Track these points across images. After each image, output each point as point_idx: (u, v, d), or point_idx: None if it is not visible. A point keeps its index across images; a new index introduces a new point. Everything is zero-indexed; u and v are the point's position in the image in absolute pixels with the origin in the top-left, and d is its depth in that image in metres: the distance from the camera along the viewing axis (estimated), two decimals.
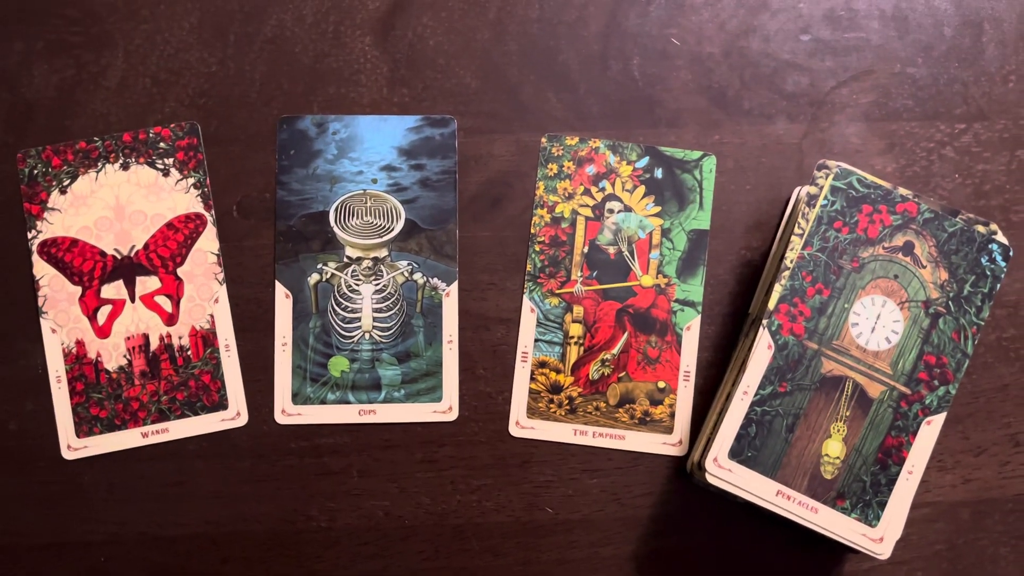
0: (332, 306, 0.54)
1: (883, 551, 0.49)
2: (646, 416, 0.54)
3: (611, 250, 0.55)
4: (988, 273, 0.50)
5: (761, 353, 0.49)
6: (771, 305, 0.49)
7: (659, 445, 0.54)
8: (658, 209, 0.55)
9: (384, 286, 0.55)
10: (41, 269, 0.54)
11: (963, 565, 0.54)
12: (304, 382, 0.54)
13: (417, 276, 0.55)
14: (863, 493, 0.49)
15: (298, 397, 0.54)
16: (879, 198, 0.50)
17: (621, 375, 0.54)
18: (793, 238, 0.50)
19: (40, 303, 0.53)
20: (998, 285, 0.50)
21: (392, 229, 0.55)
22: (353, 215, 0.55)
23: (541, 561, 0.53)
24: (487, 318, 0.55)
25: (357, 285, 0.54)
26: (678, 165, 0.56)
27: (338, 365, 0.54)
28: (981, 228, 0.50)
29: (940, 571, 0.54)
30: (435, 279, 0.55)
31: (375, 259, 0.55)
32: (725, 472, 0.49)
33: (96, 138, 0.54)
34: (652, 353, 0.54)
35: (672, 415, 0.54)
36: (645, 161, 0.56)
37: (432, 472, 0.54)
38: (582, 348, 0.54)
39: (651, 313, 0.55)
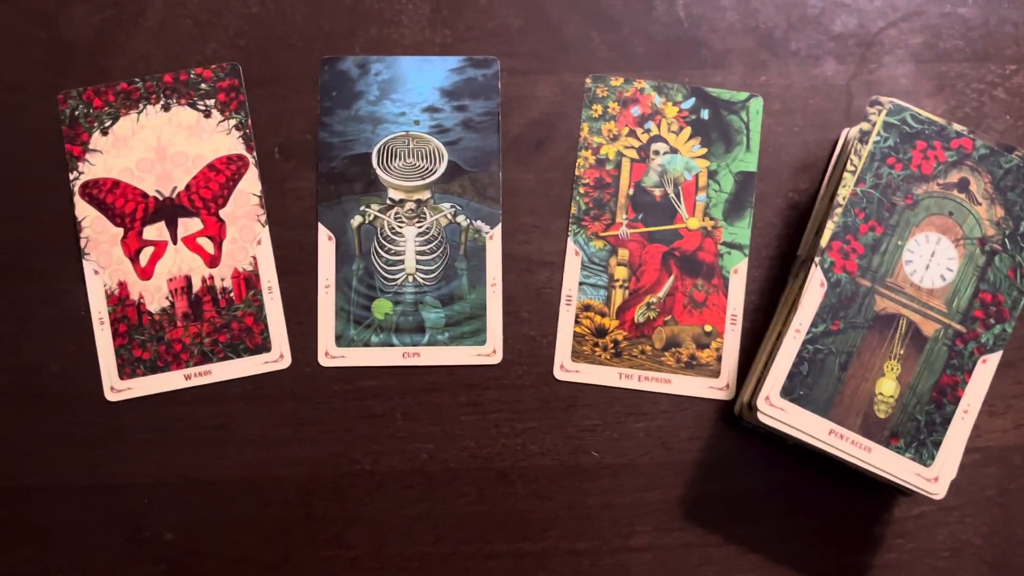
0: (375, 248, 0.54)
1: (938, 491, 0.48)
2: (692, 360, 0.53)
3: (657, 192, 0.54)
4: None
5: (814, 291, 0.48)
6: (823, 243, 0.48)
7: (705, 389, 0.53)
8: (704, 151, 0.55)
9: (427, 229, 0.54)
10: (83, 210, 0.53)
11: (1015, 510, 0.53)
12: (348, 324, 0.53)
13: (460, 219, 0.54)
14: (917, 432, 0.48)
15: (342, 340, 0.53)
16: (933, 134, 0.49)
17: (667, 319, 0.54)
18: (845, 175, 0.49)
19: (82, 244, 0.53)
20: None
21: (435, 171, 0.54)
22: (396, 157, 0.54)
23: (586, 505, 0.53)
24: (531, 261, 0.54)
25: (400, 228, 0.54)
26: (724, 106, 0.55)
27: (382, 308, 0.53)
28: None
29: (991, 516, 0.53)
30: (478, 222, 0.54)
31: (418, 201, 0.54)
32: (777, 411, 0.48)
33: (137, 79, 0.54)
34: (698, 296, 0.54)
35: (719, 359, 0.53)
36: (691, 102, 0.55)
37: (476, 415, 0.53)
38: (627, 291, 0.54)
39: (697, 256, 0.54)
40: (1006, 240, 0.49)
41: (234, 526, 0.52)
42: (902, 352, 0.48)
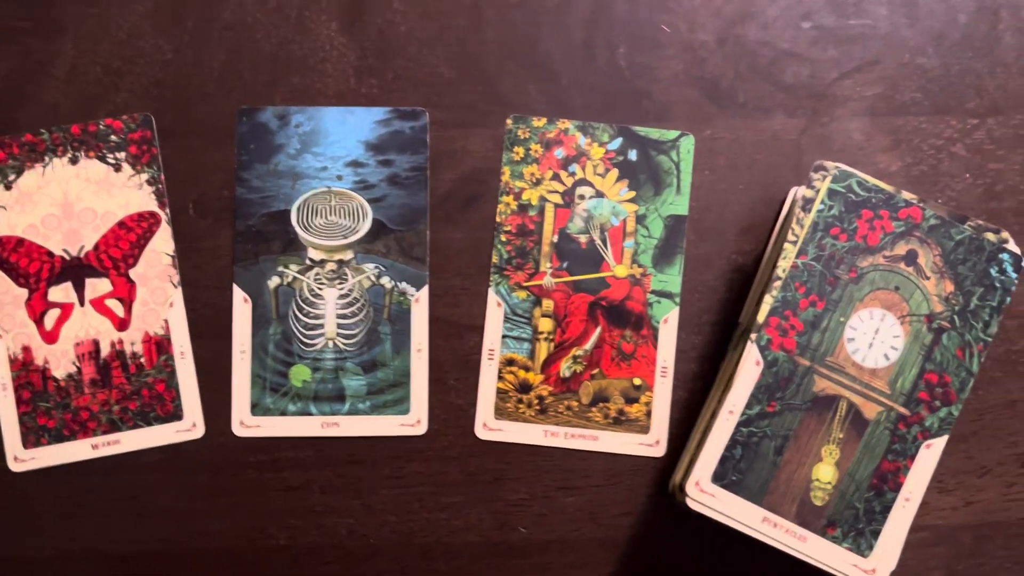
0: (294, 312, 0.51)
1: None
2: (621, 415, 0.51)
3: (582, 239, 0.52)
4: (998, 285, 0.46)
5: (749, 369, 0.46)
6: (760, 318, 0.46)
7: (635, 446, 0.51)
8: (632, 194, 0.52)
9: (349, 291, 0.51)
10: None
11: None
12: (264, 392, 0.51)
13: (384, 280, 0.51)
14: (855, 521, 0.45)
15: (257, 408, 0.51)
16: (880, 203, 0.46)
17: (594, 372, 0.51)
18: (786, 246, 0.46)
19: None
20: (1008, 298, 0.46)
21: (358, 230, 0.51)
22: (317, 214, 0.51)
23: None
24: (459, 325, 0.52)
25: (320, 290, 0.51)
26: (653, 146, 0.52)
27: (300, 375, 0.51)
28: (991, 236, 0.46)
29: None
30: (404, 283, 0.51)
31: (340, 262, 0.51)
32: (707, 497, 0.45)
33: (43, 130, 0.51)
34: (627, 348, 0.51)
35: (648, 414, 0.51)
36: (618, 143, 0.52)
37: (399, 489, 0.51)
38: (552, 344, 0.51)
39: (626, 305, 0.51)
40: (955, 317, 0.46)
41: None
42: (841, 436, 0.46)
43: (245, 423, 0.51)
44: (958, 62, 0.53)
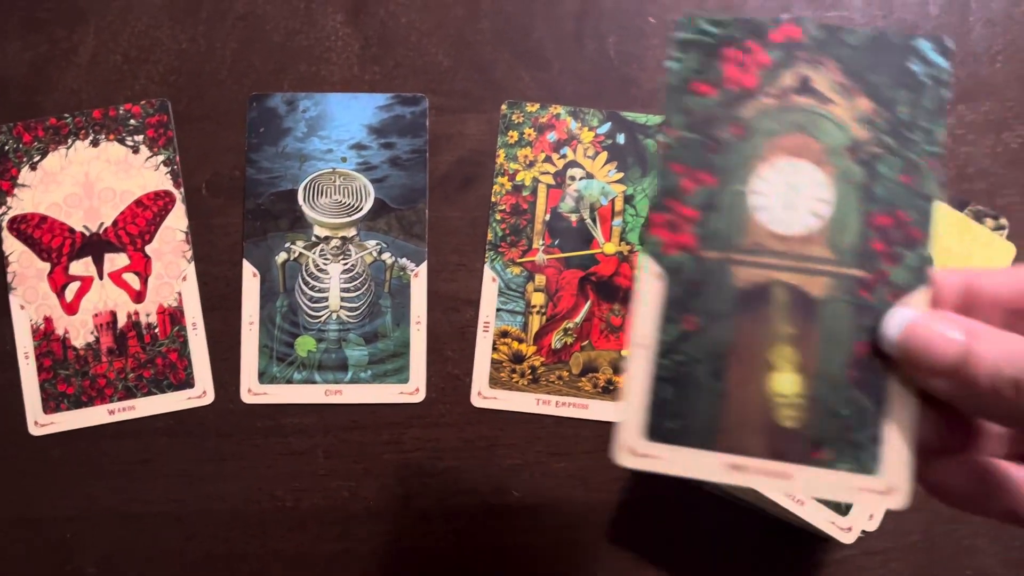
0: (300, 285, 0.54)
1: (899, 501, 0.33)
2: (609, 384, 0.53)
3: (573, 218, 0.54)
4: (926, 80, 0.35)
5: (648, 285, 0.35)
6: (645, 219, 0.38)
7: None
8: (621, 175, 0.54)
9: (352, 266, 0.54)
10: (10, 245, 0.54)
11: (939, 556, 0.53)
12: (271, 361, 0.53)
13: (386, 256, 0.54)
14: (846, 431, 0.34)
15: (264, 376, 0.53)
16: (744, 34, 0.36)
17: (584, 344, 0.54)
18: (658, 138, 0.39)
19: (9, 279, 0.53)
20: (947, 92, 0.35)
21: (361, 208, 0.54)
22: (322, 194, 0.54)
23: (507, 545, 0.53)
24: (456, 299, 0.54)
25: (325, 264, 0.54)
26: (640, 130, 0.55)
27: (305, 345, 0.54)
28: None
29: (915, 562, 0.53)
30: (404, 259, 0.54)
31: (343, 238, 0.54)
32: (647, 460, 0.34)
33: (66, 114, 0.54)
34: (615, 321, 0.54)
35: None
36: (607, 127, 0.55)
37: (398, 454, 0.53)
38: (544, 317, 0.54)
39: (614, 281, 0.54)
40: (885, 137, 0.35)
41: (156, 560, 0.53)
42: (791, 331, 0.34)
43: (253, 391, 0.53)
44: None
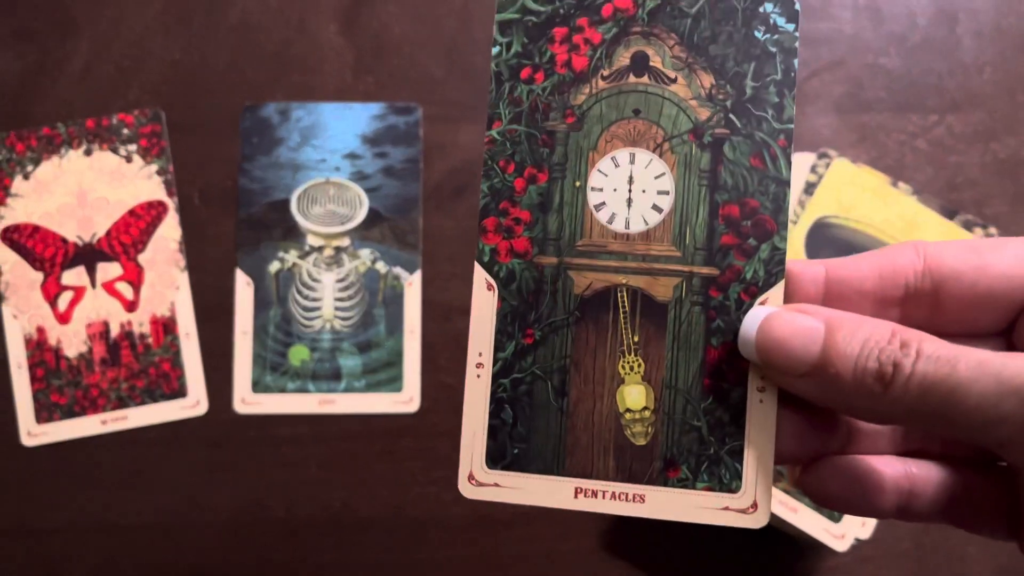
0: (293, 295, 0.54)
1: (759, 520, 0.30)
2: None
3: None
4: (773, 48, 0.31)
5: (481, 300, 0.32)
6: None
7: None
8: None
9: (346, 275, 0.54)
10: (3, 255, 0.54)
11: (931, 564, 0.53)
12: (264, 371, 0.53)
13: (379, 265, 0.54)
14: (702, 447, 0.31)
15: (258, 386, 0.53)
16: (572, 10, 0.32)
17: None
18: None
19: (2, 289, 0.53)
20: (795, 61, 0.31)
21: (354, 218, 0.54)
22: (315, 203, 0.54)
23: (500, 555, 0.53)
24: (450, 308, 0.54)
25: (318, 274, 0.54)
26: None
27: (298, 354, 0.54)
28: None
29: (906, 570, 0.53)
30: (397, 268, 0.54)
31: (337, 248, 0.54)
32: (490, 489, 0.32)
33: (59, 124, 0.54)
34: None
35: None
36: None
37: (391, 463, 0.53)
38: None
39: None
40: (730, 117, 0.31)
41: (148, 571, 0.53)
42: (636, 338, 0.31)
43: (246, 400, 0.53)
44: (919, 63, 0.56)
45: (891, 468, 0.31)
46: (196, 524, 0.53)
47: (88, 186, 0.54)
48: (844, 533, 0.49)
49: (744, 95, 0.31)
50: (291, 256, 0.54)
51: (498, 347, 0.31)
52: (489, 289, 0.32)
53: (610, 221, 0.32)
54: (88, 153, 0.54)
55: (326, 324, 0.54)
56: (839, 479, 0.31)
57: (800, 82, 0.56)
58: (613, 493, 0.31)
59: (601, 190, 0.32)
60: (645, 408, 0.31)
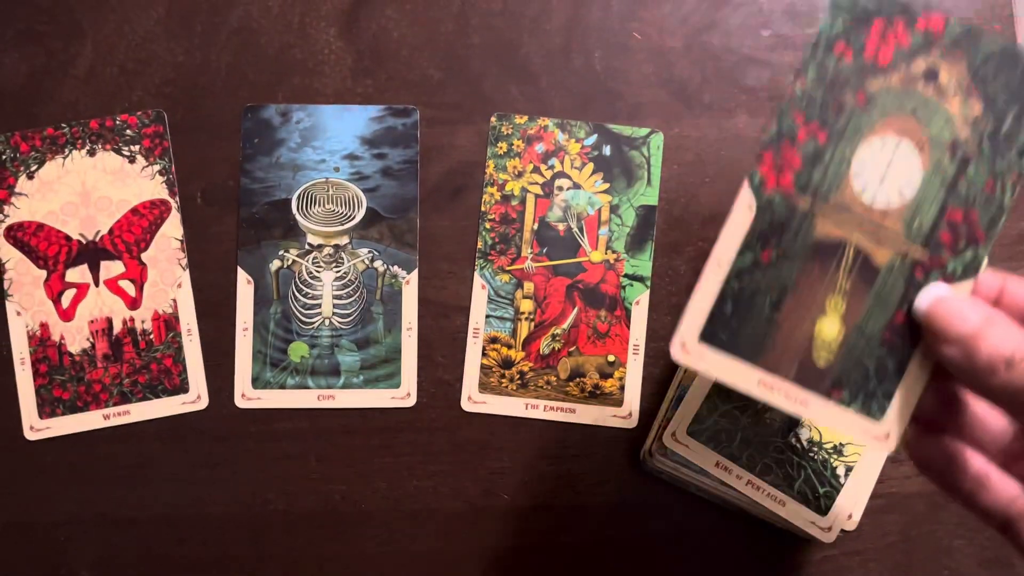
0: (293, 292, 0.55)
1: (888, 447, 0.39)
2: (596, 389, 0.55)
3: (560, 227, 0.56)
4: None
5: (740, 214, 0.38)
6: (757, 155, 0.39)
7: (608, 417, 0.54)
8: (607, 186, 0.56)
9: (344, 273, 0.55)
10: (7, 253, 0.54)
11: (917, 557, 0.54)
12: (264, 367, 0.54)
13: (377, 264, 0.55)
14: (865, 381, 0.38)
15: (258, 382, 0.54)
16: (894, 12, 0.38)
17: (571, 349, 0.55)
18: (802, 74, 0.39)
19: (6, 286, 0.54)
20: None
21: (353, 217, 0.56)
22: (315, 203, 0.56)
23: (496, 547, 0.54)
24: (446, 306, 0.56)
25: (318, 272, 0.55)
26: (626, 142, 0.56)
27: (298, 351, 0.55)
28: None
29: (893, 563, 0.54)
30: (395, 267, 0.55)
31: (336, 246, 0.55)
32: (694, 358, 0.38)
33: (64, 125, 0.55)
34: (602, 327, 0.55)
35: (622, 388, 0.55)
36: (593, 139, 0.56)
37: (389, 458, 0.54)
38: (533, 323, 0.55)
39: (600, 288, 0.55)
40: (984, 143, 0.38)
41: (150, 564, 0.53)
42: (848, 287, 0.39)
43: (247, 395, 0.54)
44: None
45: (978, 463, 0.38)
46: (197, 517, 0.54)
47: (92, 185, 0.55)
48: (830, 525, 0.50)
49: (1001, 130, 0.38)
50: (291, 254, 0.55)
51: (740, 254, 0.38)
52: (749, 209, 0.38)
53: (862, 191, 0.38)
54: (92, 153, 0.55)
55: (325, 321, 0.55)
56: (940, 454, 0.38)
57: (789, 86, 0.57)
58: (787, 392, 0.38)
59: (864, 162, 0.38)
60: (834, 339, 0.38)
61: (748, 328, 0.38)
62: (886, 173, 0.39)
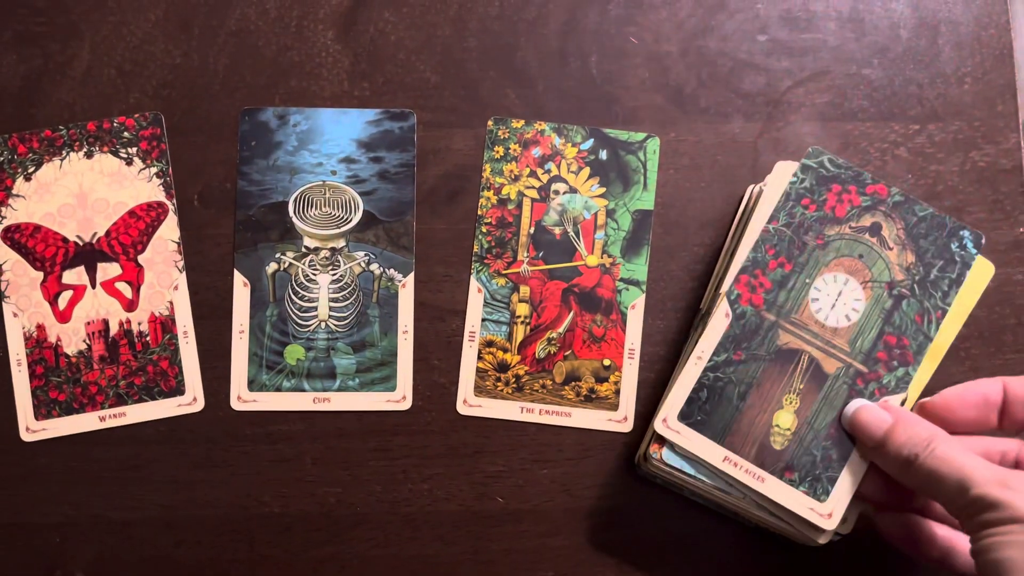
0: (289, 295, 0.55)
1: (830, 525, 0.47)
2: (591, 393, 0.55)
3: (557, 231, 0.56)
4: (957, 259, 0.49)
5: (719, 320, 0.49)
6: (731, 275, 0.50)
7: (604, 421, 0.55)
8: (603, 190, 0.56)
9: (341, 276, 0.55)
10: (4, 254, 0.55)
11: (911, 562, 0.54)
12: (260, 369, 0.55)
13: (374, 267, 0.55)
14: (813, 467, 0.47)
15: (254, 384, 0.54)
16: (850, 178, 0.50)
17: (567, 353, 0.55)
18: (756, 214, 0.50)
19: (2, 287, 0.54)
20: (967, 272, 0.49)
21: (350, 220, 0.56)
22: (312, 206, 0.56)
23: (490, 550, 0.54)
24: (442, 309, 0.56)
25: (314, 275, 0.55)
26: (622, 147, 0.56)
27: (294, 353, 0.55)
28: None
29: (891, 565, 0.54)
30: (391, 270, 0.56)
31: (332, 249, 0.56)
32: (673, 433, 0.48)
33: (61, 127, 0.55)
34: (597, 331, 0.55)
35: (617, 392, 0.55)
36: (590, 143, 0.56)
37: (385, 460, 0.55)
38: (528, 327, 0.55)
39: (596, 292, 0.56)
40: (915, 286, 0.49)
41: (145, 566, 0.54)
42: (802, 387, 0.49)
43: (242, 398, 0.54)
44: (901, 73, 0.58)
45: (943, 533, 0.47)
46: (192, 519, 0.54)
47: (89, 187, 0.55)
48: (831, 511, 0.49)
49: (928, 277, 0.49)
50: (287, 257, 0.55)
51: (716, 352, 0.49)
52: (726, 317, 0.50)
53: (817, 312, 0.49)
54: (89, 155, 0.55)
55: (321, 324, 0.55)
56: (899, 528, 0.47)
57: (785, 91, 0.57)
58: (747, 469, 0.48)
59: (819, 290, 0.50)
60: (788, 429, 0.48)
61: (718, 413, 0.49)
62: (836, 301, 0.49)
